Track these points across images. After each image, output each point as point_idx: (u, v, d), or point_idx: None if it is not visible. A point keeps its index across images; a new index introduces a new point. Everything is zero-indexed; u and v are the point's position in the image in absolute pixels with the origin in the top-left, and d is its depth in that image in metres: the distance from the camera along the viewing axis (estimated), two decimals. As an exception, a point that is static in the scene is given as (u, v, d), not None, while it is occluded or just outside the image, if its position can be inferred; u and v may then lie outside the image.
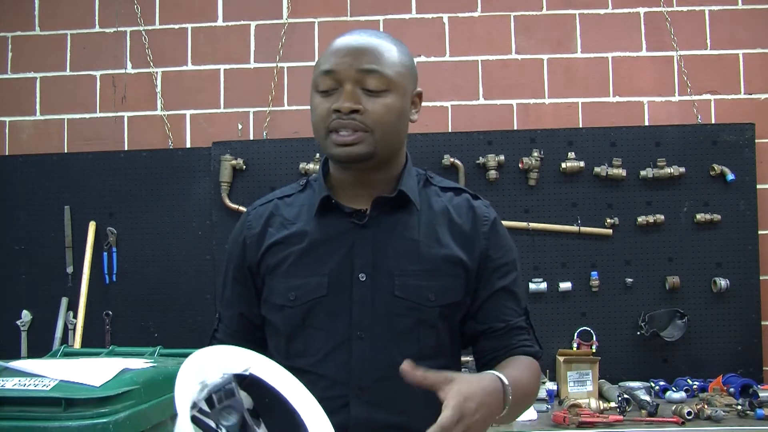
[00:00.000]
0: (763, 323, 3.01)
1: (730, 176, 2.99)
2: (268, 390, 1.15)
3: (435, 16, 3.21)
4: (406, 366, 1.09)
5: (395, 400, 1.29)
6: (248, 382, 1.15)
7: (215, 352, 1.15)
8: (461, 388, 1.08)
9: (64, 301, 3.11)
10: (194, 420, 1.05)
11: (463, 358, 2.57)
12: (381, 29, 3.18)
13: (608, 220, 3.02)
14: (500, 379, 1.16)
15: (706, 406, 2.46)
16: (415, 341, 1.32)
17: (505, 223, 3.15)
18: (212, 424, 1.06)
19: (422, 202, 1.39)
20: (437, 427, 1.03)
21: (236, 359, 1.15)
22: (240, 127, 3.20)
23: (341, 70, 1.29)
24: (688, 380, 2.81)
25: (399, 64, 1.33)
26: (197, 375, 1.09)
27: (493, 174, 3.02)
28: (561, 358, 2.75)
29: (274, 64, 3.20)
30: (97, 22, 3.26)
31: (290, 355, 1.34)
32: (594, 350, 2.94)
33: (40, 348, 2.91)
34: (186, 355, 1.14)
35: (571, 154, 3.03)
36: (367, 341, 1.30)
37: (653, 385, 2.78)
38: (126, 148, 3.22)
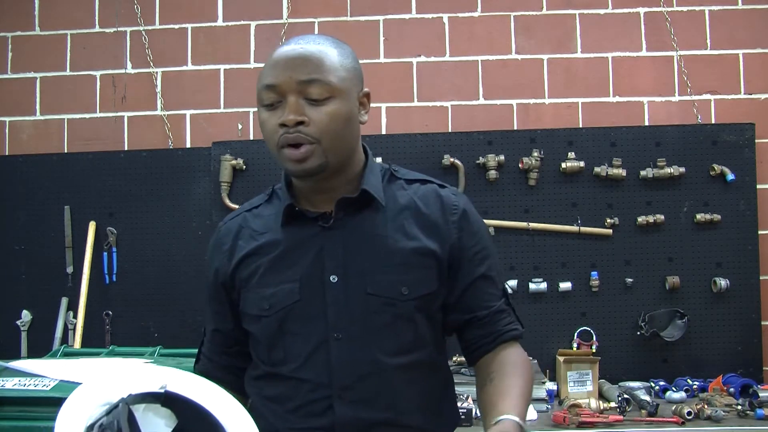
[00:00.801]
0: (763, 323, 3.01)
1: (730, 176, 2.98)
2: (189, 404, 1.14)
3: (435, 16, 3.21)
4: None
5: (379, 396, 1.30)
6: (169, 399, 1.14)
7: (124, 372, 1.14)
8: None
9: (64, 301, 3.11)
10: None
11: (461, 358, 2.59)
12: (381, 29, 3.19)
13: (608, 220, 3.02)
14: (520, 426, 1.19)
15: (706, 406, 2.46)
16: (393, 337, 1.32)
17: (504, 223, 3.16)
18: None
19: (387, 197, 1.38)
20: None
21: (150, 377, 1.14)
22: (240, 127, 3.20)
23: (282, 83, 1.28)
24: (688, 380, 2.80)
25: (341, 68, 1.31)
26: (101, 396, 1.08)
27: (493, 174, 3.02)
28: (561, 358, 2.75)
29: (274, 64, 3.19)
30: (97, 22, 3.26)
31: (272, 363, 1.36)
32: (594, 350, 2.93)
33: (40, 348, 2.92)
34: (186, 355, 1.14)
35: (571, 154, 3.03)
36: (344, 341, 1.30)
37: (653, 385, 2.77)
38: (126, 148, 3.21)
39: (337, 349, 1.30)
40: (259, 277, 1.36)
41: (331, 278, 1.32)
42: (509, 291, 1.47)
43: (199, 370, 1.46)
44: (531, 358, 2.79)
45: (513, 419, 1.19)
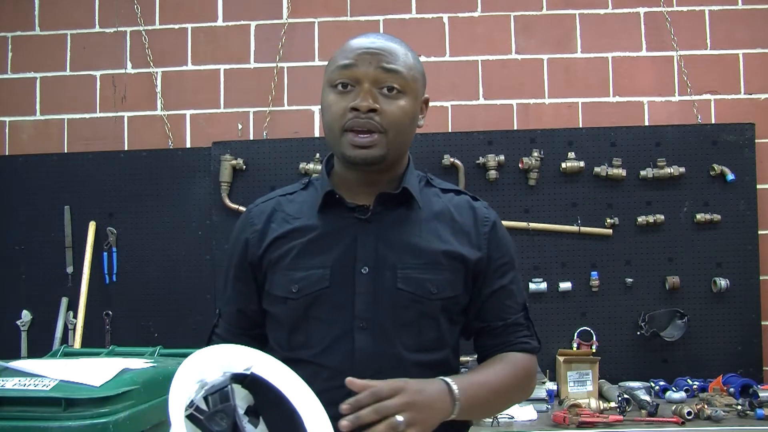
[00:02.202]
0: (763, 323, 3.01)
1: (730, 176, 2.99)
2: (270, 388, 1.16)
3: (435, 16, 3.21)
4: (350, 381, 1.16)
5: None
6: (250, 381, 1.15)
7: (217, 351, 1.16)
8: (408, 381, 1.18)
9: (64, 301, 3.11)
10: (192, 419, 1.05)
11: (463, 358, 2.59)
12: (381, 29, 3.19)
13: (608, 220, 3.02)
14: (446, 383, 1.23)
15: (706, 406, 2.46)
16: (417, 333, 1.34)
17: (505, 223, 3.14)
18: (206, 425, 1.06)
19: (423, 201, 1.41)
20: (368, 386, 1.14)
21: (238, 358, 1.16)
22: (240, 127, 3.20)
23: (361, 68, 1.31)
24: (688, 380, 2.81)
25: (414, 68, 1.36)
26: (197, 374, 1.10)
27: (493, 174, 3.02)
28: (561, 358, 2.75)
29: (274, 64, 3.20)
30: (97, 22, 3.26)
31: (292, 346, 1.36)
32: (594, 350, 2.94)
33: (40, 348, 2.91)
34: (186, 355, 1.14)
35: (571, 154, 3.03)
36: (369, 332, 1.32)
37: (653, 385, 2.78)
38: (126, 148, 3.22)
39: (361, 339, 1.32)
40: (291, 260, 1.37)
41: (362, 269, 1.34)
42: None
43: None
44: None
45: (442, 379, 1.23)
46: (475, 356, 1.49)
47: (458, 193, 1.47)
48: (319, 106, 1.40)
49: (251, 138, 3.18)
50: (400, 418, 1.12)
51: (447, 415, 1.21)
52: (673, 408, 2.48)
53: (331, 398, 1.29)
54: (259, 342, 1.44)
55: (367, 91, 1.30)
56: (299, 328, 1.36)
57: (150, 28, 3.24)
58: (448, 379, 1.23)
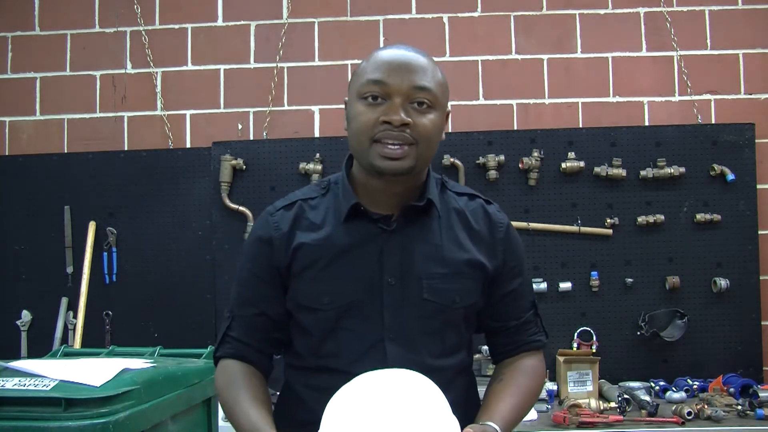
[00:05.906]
0: (763, 323, 3.02)
1: (730, 176, 2.99)
2: None
3: (435, 16, 3.21)
4: None
5: None
6: None
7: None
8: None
9: (64, 301, 3.11)
10: None
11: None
12: (381, 29, 3.19)
13: (608, 220, 3.02)
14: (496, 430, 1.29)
15: (706, 406, 2.46)
16: (440, 341, 1.40)
17: (505, 223, 3.12)
18: None
19: (442, 208, 1.45)
20: None
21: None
22: (240, 127, 3.20)
23: (394, 83, 1.32)
24: (688, 380, 2.81)
25: (442, 83, 1.38)
26: None
27: (493, 174, 3.02)
28: (561, 358, 2.75)
29: (274, 64, 3.20)
30: (97, 22, 3.26)
31: (323, 355, 1.40)
32: (594, 350, 2.94)
33: (40, 348, 2.92)
34: (186, 355, 1.13)
35: (571, 154, 3.03)
36: (398, 342, 1.36)
37: (653, 385, 2.78)
38: (126, 148, 3.22)
39: (392, 349, 1.36)
40: (319, 270, 1.38)
41: (389, 281, 1.37)
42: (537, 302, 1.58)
43: (226, 353, 1.45)
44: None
45: (494, 427, 1.29)
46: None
47: (472, 197, 1.50)
48: (347, 115, 1.40)
49: (251, 138, 3.18)
50: None
51: None
52: (673, 408, 2.48)
53: None
54: (276, 346, 1.47)
55: (399, 105, 1.31)
56: (329, 338, 1.38)
57: (150, 28, 3.24)
58: (496, 427, 1.29)
